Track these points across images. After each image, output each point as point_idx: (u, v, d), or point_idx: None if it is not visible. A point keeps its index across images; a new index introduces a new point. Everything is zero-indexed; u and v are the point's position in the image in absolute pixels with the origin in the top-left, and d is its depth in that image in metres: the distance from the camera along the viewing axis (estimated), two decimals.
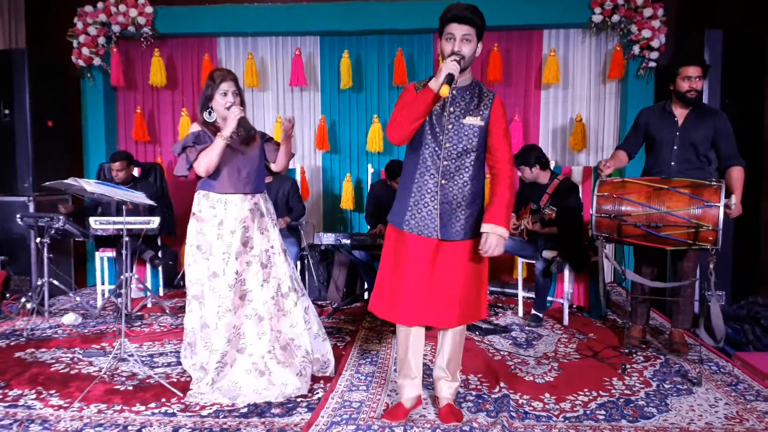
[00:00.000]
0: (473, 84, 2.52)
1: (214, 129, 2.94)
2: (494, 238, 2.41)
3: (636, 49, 5.18)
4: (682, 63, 3.46)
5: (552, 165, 4.92)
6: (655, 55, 5.15)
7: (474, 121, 2.45)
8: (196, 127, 2.97)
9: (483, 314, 2.66)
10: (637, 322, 3.74)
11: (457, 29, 2.35)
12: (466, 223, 2.49)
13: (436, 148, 2.45)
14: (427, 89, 2.34)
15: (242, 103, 2.98)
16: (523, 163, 4.25)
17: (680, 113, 3.51)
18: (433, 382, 2.75)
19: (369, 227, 5.06)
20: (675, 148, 3.49)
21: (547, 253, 4.17)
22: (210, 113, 2.96)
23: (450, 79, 2.27)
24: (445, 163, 2.45)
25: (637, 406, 2.79)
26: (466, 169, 2.47)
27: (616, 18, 5.17)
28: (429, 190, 2.48)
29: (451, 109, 2.46)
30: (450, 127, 2.45)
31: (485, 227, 2.43)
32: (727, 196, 3.11)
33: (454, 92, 2.46)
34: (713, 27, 4.49)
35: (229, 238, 2.92)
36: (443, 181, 2.46)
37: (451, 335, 2.65)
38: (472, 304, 2.58)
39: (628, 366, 3.28)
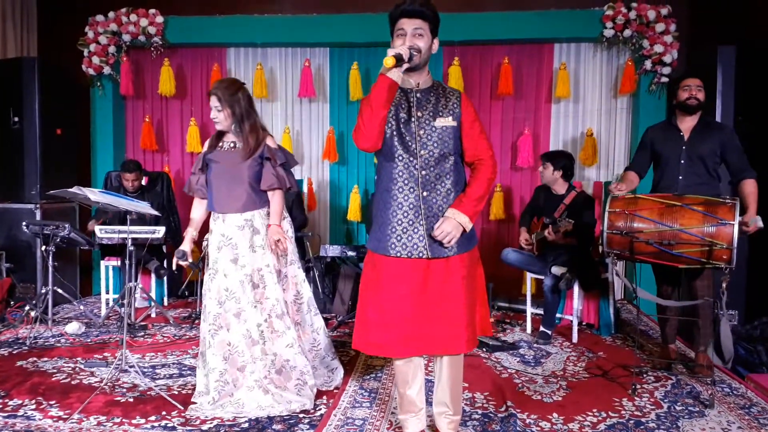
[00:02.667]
0: (435, 85, 2.36)
1: (215, 142, 3.02)
2: (452, 223, 2.23)
3: (648, 64, 5.14)
4: (683, 77, 3.54)
5: None
6: (667, 70, 5.11)
7: (446, 122, 2.28)
8: (205, 146, 3.07)
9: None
10: (669, 342, 3.69)
11: (408, 24, 2.22)
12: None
13: (411, 159, 2.28)
14: (380, 77, 2.17)
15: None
16: (550, 161, 4.24)
17: (686, 128, 3.48)
18: (433, 417, 2.51)
19: None
20: (682, 162, 3.45)
21: (557, 269, 4.11)
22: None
23: (398, 58, 2.10)
24: (424, 172, 2.27)
25: (647, 428, 2.71)
26: (447, 176, 2.30)
27: (627, 33, 5.13)
28: (411, 206, 2.28)
29: (419, 113, 2.29)
30: (422, 132, 2.27)
31: (448, 212, 2.26)
32: (741, 213, 3.05)
33: (418, 95, 2.31)
34: (726, 42, 4.44)
35: (215, 254, 2.93)
36: (425, 194, 2.28)
37: (450, 366, 2.41)
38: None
39: (638, 386, 3.21)
